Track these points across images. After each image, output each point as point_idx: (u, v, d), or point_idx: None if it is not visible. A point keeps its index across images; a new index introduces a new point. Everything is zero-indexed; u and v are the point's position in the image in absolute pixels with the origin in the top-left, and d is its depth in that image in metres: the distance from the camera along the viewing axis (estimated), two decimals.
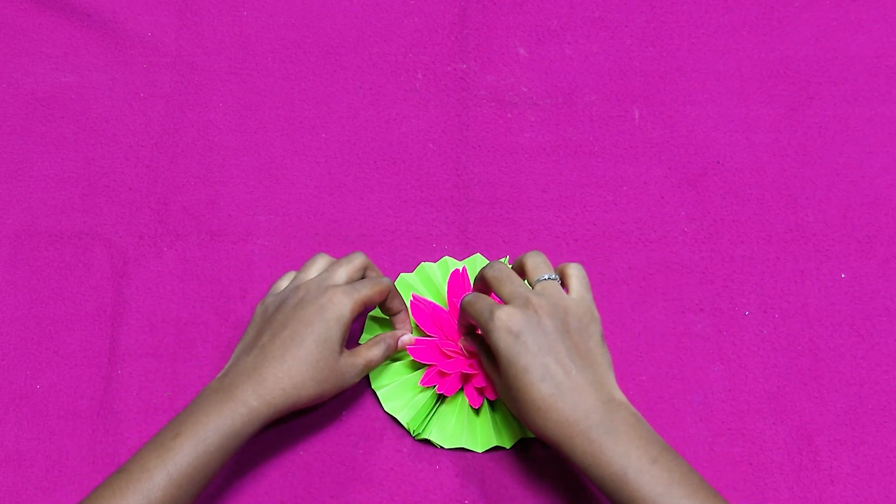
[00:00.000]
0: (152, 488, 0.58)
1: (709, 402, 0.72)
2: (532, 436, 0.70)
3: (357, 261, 0.68)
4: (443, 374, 0.70)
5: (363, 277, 0.68)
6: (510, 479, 0.70)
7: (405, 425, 0.70)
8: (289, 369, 0.62)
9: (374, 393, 0.71)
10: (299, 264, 0.76)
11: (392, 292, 0.68)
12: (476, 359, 0.70)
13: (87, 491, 0.70)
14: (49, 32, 0.84)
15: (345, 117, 0.81)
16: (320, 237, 0.77)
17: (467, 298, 0.65)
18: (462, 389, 0.70)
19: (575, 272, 0.64)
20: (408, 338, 0.70)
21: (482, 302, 0.63)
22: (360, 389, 0.72)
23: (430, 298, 0.73)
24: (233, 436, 0.61)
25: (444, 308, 0.72)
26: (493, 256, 0.76)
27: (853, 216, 0.77)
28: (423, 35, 0.84)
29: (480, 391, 0.69)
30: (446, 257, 0.75)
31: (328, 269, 0.67)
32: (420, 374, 0.71)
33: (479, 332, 0.66)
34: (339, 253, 0.76)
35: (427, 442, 0.70)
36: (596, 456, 0.58)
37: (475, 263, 0.74)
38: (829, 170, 0.79)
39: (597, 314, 0.63)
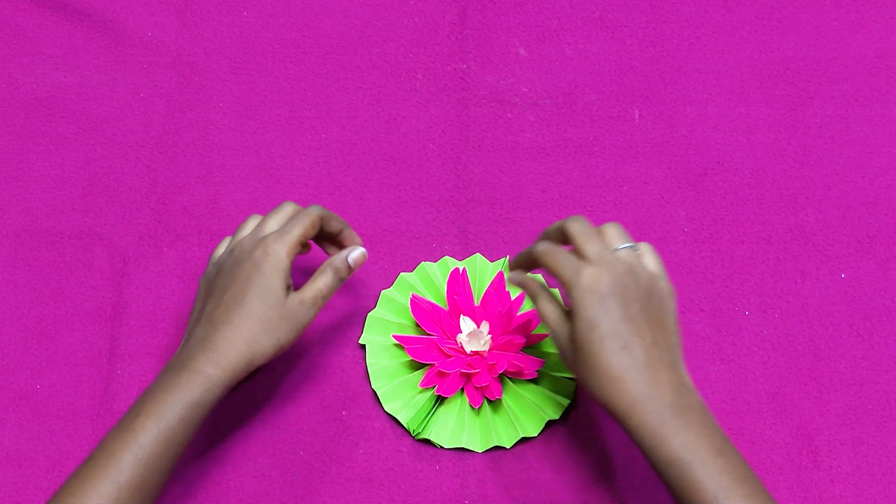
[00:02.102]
0: (120, 472, 0.58)
1: (709, 402, 0.71)
2: (532, 435, 0.70)
3: (286, 208, 0.67)
4: (442, 374, 0.70)
5: None
6: (510, 479, 0.70)
7: (405, 425, 0.70)
8: (237, 328, 0.62)
9: (375, 393, 0.71)
10: (299, 264, 0.76)
11: (325, 216, 0.67)
12: (476, 357, 0.70)
13: None
14: (49, 32, 0.84)
15: (345, 117, 0.81)
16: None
17: (544, 247, 0.61)
18: (462, 389, 0.70)
19: (648, 249, 0.62)
20: (359, 253, 0.67)
21: (566, 256, 0.60)
22: (360, 389, 0.72)
23: (429, 298, 0.73)
24: (194, 407, 0.60)
25: (444, 307, 0.72)
26: (493, 256, 0.76)
27: (853, 216, 0.77)
28: (423, 35, 0.84)
29: (481, 390, 0.69)
30: (446, 257, 0.75)
31: (258, 224, 0.66)
32: (420, 373, 0.71)
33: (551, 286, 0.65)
34: None
35: (427, 442, 0.70)
36: (663, 438, 0.56)
37: (475, 263, 0.74)
38: (829, 170, 0.79)
39: (674, 292, 0.61)
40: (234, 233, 0.68)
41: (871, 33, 0.83)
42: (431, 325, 0.71)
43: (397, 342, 0.71)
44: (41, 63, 0.83)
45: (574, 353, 0.60)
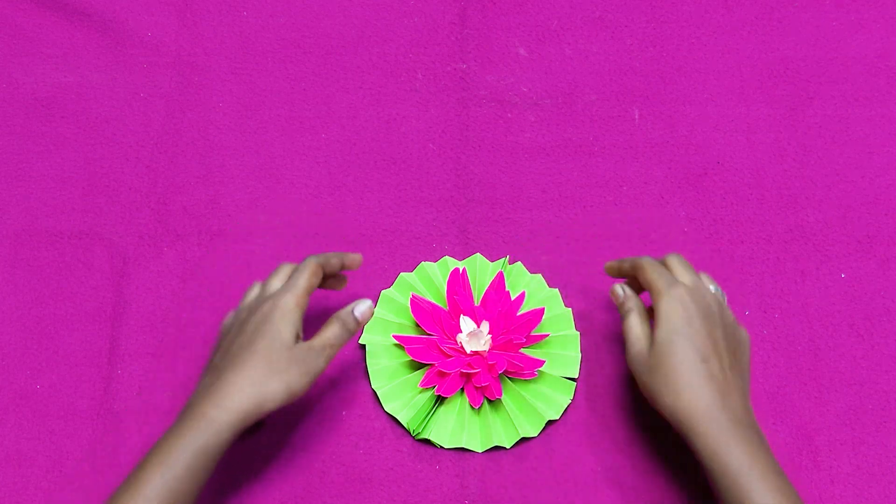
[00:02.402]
0: None
1: None
2: (531, 436, 0.70)
3: (284, 269, 0.68)
4: (442, 374, 0.69)
5: None
6: (510, 479, 0.70)
7: (405, 425, 0.70)
8: (242, 370, 0.61)
9: (375, 393, 0.71)
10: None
11: (323, 262, 0.67)
12: (476, 357, 0.70)
13: (87, 491, 0.70)
14: (49, 32, 0.84)
15: (345, 117, 0.81)
16: (320, 237, 0.77)
17: (647, 259, 0.66)
18: (462, 389, 0.70)
19: (725, 300, 0.67)
20: (365, 307, 0.66)
21: (665, 272, 0.65)
22: (360, 389, 0.72)
23: (430, 298, 0.73)
24: (201, 453, 0.59)
25: (444, 307, 0.72)
26: (493, 256, 0.76)
27: (853, 216, 0.77)
28: (423, 35, 0.84)
29: (481, 390, 0.69)
30: (446, 257, 0.75)
31: (262, 287, 0.67)
32: (420, 373, 0.71)
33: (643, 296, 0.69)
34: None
35: (427, 442, 0.70)
36: (727, 446, 0.59)
37: (475, 263, 0.74)
38: (829, 170, 0.79)
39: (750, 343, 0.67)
40: (238, 303, 0.69)
41: (871, 33, 0.83)
42: (431, 325, 0.71)
43: (397, 342, 0.71)
44: (41, 63, 0.83)
45: (651, 359, 0.62)
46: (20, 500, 0.70)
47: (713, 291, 0.66)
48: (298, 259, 0.76)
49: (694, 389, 0.60)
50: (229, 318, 0.68)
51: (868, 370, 0.73)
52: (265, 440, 0.71)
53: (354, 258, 0.69)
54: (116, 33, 0.83)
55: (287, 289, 0.64)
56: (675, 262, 0.67)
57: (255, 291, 0.68)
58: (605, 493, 0.70)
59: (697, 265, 0.76)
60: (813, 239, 0.76)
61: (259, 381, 0.61)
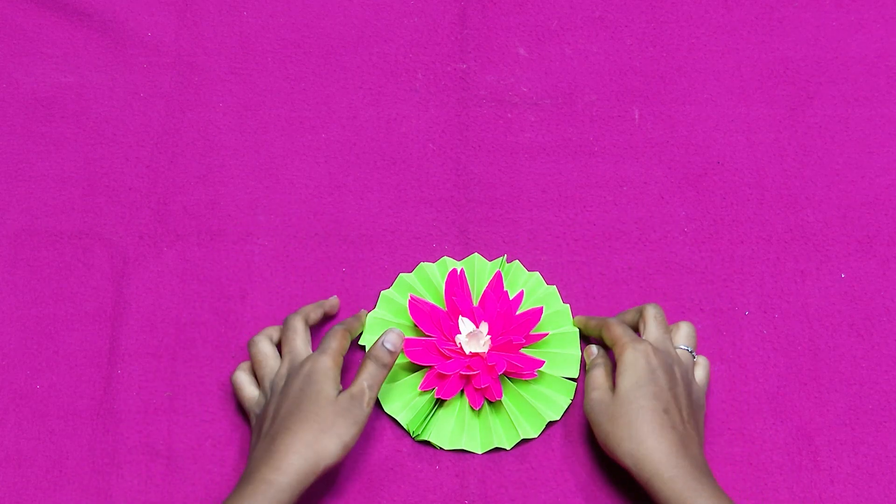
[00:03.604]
0: None
1: (709, 402, 0.72)
2: (531, 437, 0.70)
3: (298, 325, 0.69)
4: (442, 376, 0.69)
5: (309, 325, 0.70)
6: (510, 479, 0.70)
7: (405, 427, 0.70)
8: (295, 434, 0.62)
9: None
10: (299, 264, 0.76)
11: (350, 328, 0.69)
12: (475, 358, 0.70)
13: (88, 491, 0.70)
14: (49, 32, 0.84)
15: (345, 117, 0.81)
16: (320, 237, 0.77)
17: (614, 320, 0.69)
18: (462, 391, 0.70)
19: (704, 364, 0.70)
20: (394, 335, 0.66)
21: (629, 331, 0.67)
22: None
23: (429, 299, 0.73)
24: None
25: (443, 308, 0.72)
26: (492, 256, 0.76)
27: (853, 216, 0.77)
28: (423, 35, 0.84)
29: (481, 392, 0.69)
30: (445, 257, 0.75)
31: (287, 350, 0.68)
32: (420, 375, 0.71)
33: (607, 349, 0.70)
34: (339, 252, 0.76)
35: (427, 443, 0.70)
36: (693, 491, 0.60)
37: (473, 264, 0.74)
38: (829, 170, 0.79)
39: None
40: (258, 368, 0.69)
41: (871, 33, 0.83)
42: (430, 326, 0.71)
43: None
44: (41, 63, 0.83)
45: (612, 406, 0.64)
46: (20, 500, 0.70)
47: (682, 348, 0.68)
48: (296, 260, 0.76)
49: (656, 437, 0.62)
50: (246, 389, 0.69)
51: (868, 370, 0.73)
52: None
53: (333, 304, 0.73)
54: (116, 33, 0.83)
55: (322, 350, 0.66)
56: (650, 313, 0.68)
57: (265, 347, 0.69)
58: (606, 493, 0.69)
59: (697, 265, 0.76)
60: (813, 239, 0.76)
61: (312, 440, 0.62)
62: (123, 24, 0.83)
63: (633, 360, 0.64)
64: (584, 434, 0.71)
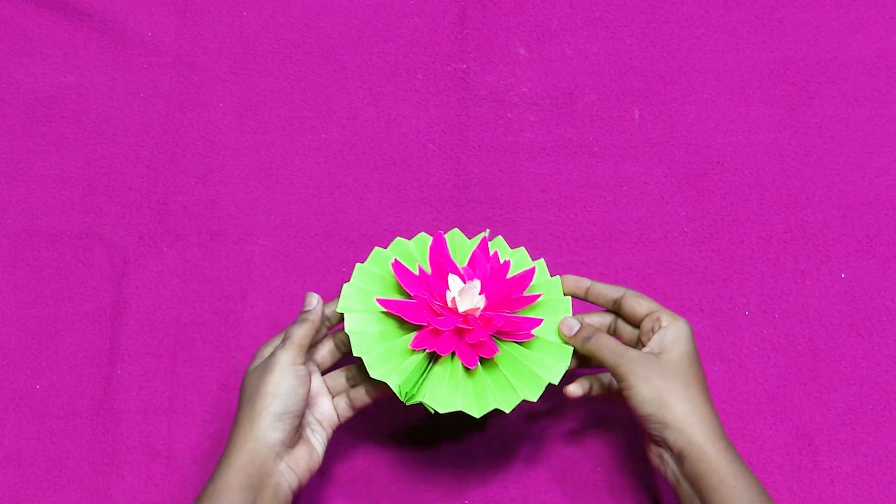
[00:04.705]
0: None
1: None
2: (531, 399, 0.64)
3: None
4: (436, 332, 0.64)
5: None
6: (510, 479, 0.70)
7: (396, 391, 0.63)
8: (262, 393, 0.62)
9: (360, 362, 0.65)
10: (299, 264, 0.76)
11: (324, 311, 0.66)
12: (469, 315, 0.65)
13: (87, 491, 0.70)
14: (49, 32, 0.84)
15: (345, 117, 0.81)
16: (320, 237, 0.77)
17: (633, 291, 0.67)
18: (454, 353, 0.65)
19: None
20: (310, 297, 0.65)
21: (613, 341, 0.65)
22: None
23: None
24: (252, 475, 0.60)
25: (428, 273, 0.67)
26: None
27: (853, 216, 0.77)
28: (423, 35, 0.84)
29: (475, 348, 0.64)
30: (422, 233, 0.69)
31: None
32: (408, 338, 0.65)
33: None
34: (339, 252, 0.76)
35: (422, 411, 0.66)
36: (739, 473, 0.60)
37: (454, 239, 0.69)
38: (829, 170, 0.79)
39: None
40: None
41: (871, 33, 0.83)
42: (418, 287, 0.65)
43: (382, 308, 0.65)
44: (41, 63, 0.83)
45: (664, 368, 0.62)
46: (20, 500, 0.70)
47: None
48: (296, 260, 0.76)
49: (710, 407, 0.63)
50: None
51: (868, 370, 0.73)
52: None
53: (315, 315, 0.67)
54: (116, 33, 0.83)
55: (283, 343, 0.64)
56: (638, 295, 0.67)
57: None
58: (606, 493, 0.70)
59: (697, 265, 0.76)
60: (813, 239, 0.76)
61: (272, 389, 0.62)
62: (123, 24, 0.83)
63: (683, 330, 0.64)
64: (584, 434, 0.71)
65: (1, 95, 0.82)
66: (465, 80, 0.82)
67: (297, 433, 0.62)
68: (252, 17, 0.84)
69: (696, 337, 0.74)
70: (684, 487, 0.61)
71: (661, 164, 0.79)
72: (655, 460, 0.63)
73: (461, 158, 0.80)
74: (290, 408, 0.61)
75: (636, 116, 0.81)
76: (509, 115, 0.81)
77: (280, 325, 0.74)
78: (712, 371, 0.72)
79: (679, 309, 0.74)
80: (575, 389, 0.66)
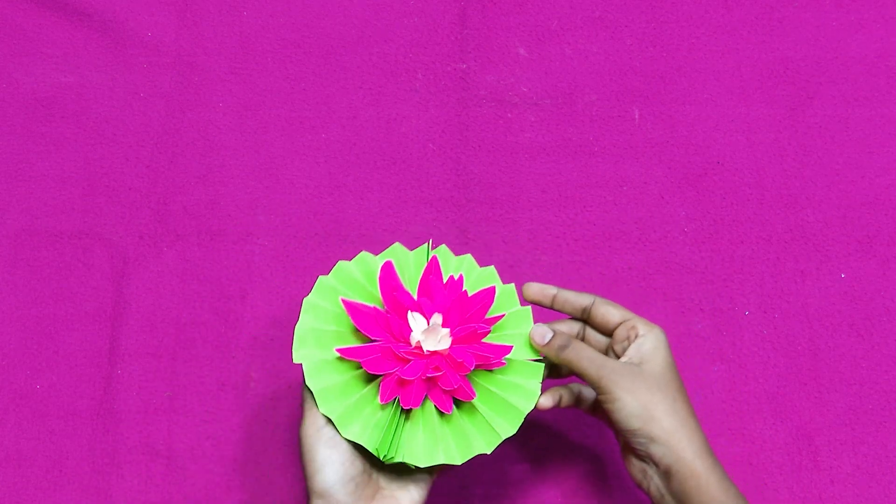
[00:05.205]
0: None
1: (709, 402, 0.72)
2: (510, 434, 0.60)
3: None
4: (403, 383, 0.60)
5: None
6: (510, 479, 0.70)
7: (373, 452, 0.59)
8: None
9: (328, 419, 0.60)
10: (299, 264, 0.76)
11: None
12: (441, 356, 0.61)
13: (87, 491, 0.70)
14: (49, 32, 0.84)
15: (345, 117, 0.81)
16: (320, 237, 0.77)
17: (603, 299, 0.64)
18: (427, 397, 0.61)
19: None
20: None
21: (593, 351, 0.62)
22: None
23: (357, 299, 0.62)
24: None
25: (380, 307, 0.62)
26: (492, 257, 0.76)
27: (853, 216, 0.77)
28: (423, 35, 0.84)
29: (450, 394, 0.60)
30: (363, 252, 0.64)
31: None
32: (374, 386, 0.60)
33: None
34: (339, 252, 0.76)
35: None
36: (728, 490, 0.59)
37: (395, 255, 0.64)
38: (829, 170, 0.79)
39: None
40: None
41: (871, 33, 0.83)
42: (377, 330, 0.60)
43: (341, 356, 0.60)
44: (41, 63, 0.83)
45: (648, 380, 0.60)
46: (20, 500, 0.70)
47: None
48: (296, 260, 0.76)
49: (696, 422, 0.60)
50: None
51: (868, 370, 0.73)
52: (266, 439, 0.71)
53: None
54: (116, 33, 0.83)
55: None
56: (608, 303, 0.64)
57: None
58: (606, 492, 0.70)
59: (697, 265, 0.76)
60: (813, 239, 0.76)
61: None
62: (123, 24, 0.83)
63: (662, 341, 0.61)
64: (583, 434, 0.71)
65: (1, 95, 0.82)
66: (465, 80, 0.82)
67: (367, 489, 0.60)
68: (252, 17, 0.84)
69: (696, 337, 0.74)
70: (669, 503, 0.59)
71: (661, 164, 0.79)
72: (637, 475, 0.61)
73: (461, 158, 0.80)
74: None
75: (636, 116, 0.81)
76: (509, 115, 0.81)
77: (280, 325, 0.74)
78: (712, 371, 0.72)
79: (679, 309, 0.74)
80: (545, 401, 0.62)
